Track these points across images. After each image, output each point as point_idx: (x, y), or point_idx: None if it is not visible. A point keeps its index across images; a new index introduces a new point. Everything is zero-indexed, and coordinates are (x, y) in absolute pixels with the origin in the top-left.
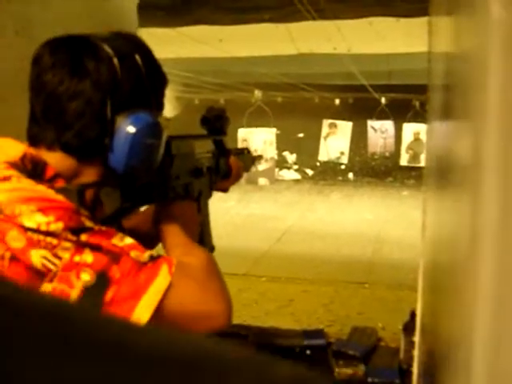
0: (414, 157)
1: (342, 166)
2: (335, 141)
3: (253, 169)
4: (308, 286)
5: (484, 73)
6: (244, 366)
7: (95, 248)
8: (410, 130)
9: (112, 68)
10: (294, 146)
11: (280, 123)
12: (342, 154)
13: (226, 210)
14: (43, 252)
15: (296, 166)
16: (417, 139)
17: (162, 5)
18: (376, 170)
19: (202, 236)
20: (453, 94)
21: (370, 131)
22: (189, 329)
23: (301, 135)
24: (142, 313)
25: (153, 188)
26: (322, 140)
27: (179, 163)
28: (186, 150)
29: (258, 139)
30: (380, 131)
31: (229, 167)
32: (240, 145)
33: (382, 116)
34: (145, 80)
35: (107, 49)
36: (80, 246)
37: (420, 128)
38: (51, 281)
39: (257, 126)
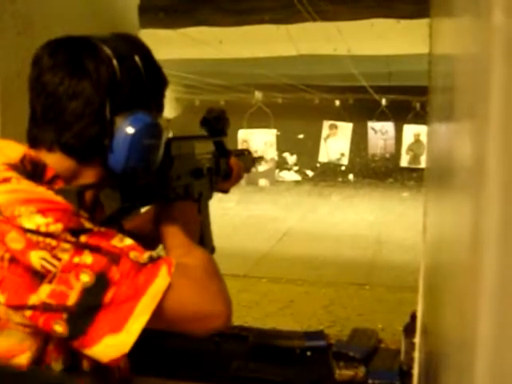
0: (415, 158)
1: (343, 168)
2: (335, 142)
3: (253, 170)
4: (308, 287)
5: (486, 78)
6: None
7: (94, 249)
8: (410, 131)
9: (111, 69)
10: (294, 147)
11: (280, 124)
12: (343, 155)
13: (226, 210)
14: (42, 253)
15: (296, 167)
16: (417, 140)
17: (162, 6)
18: (376, 172)
19: (202, 237)
20: (455, 96)
21: (371, 132)
22: (188, 329)
23: (301, 136)
24: (141, 314)
25: (153, 189)
26: (322, 141)
27: (179, 164)
28: (186, 151)
29: (258, 140)
30: (380, 132)
31: (229, 168)
32: (240, 146)
33: (382, 117)
34: (144, 81)
35: (107, 50)
36: (79, 247)
37: (420, 129)
38: (50, 282)
39: (257, 127)
